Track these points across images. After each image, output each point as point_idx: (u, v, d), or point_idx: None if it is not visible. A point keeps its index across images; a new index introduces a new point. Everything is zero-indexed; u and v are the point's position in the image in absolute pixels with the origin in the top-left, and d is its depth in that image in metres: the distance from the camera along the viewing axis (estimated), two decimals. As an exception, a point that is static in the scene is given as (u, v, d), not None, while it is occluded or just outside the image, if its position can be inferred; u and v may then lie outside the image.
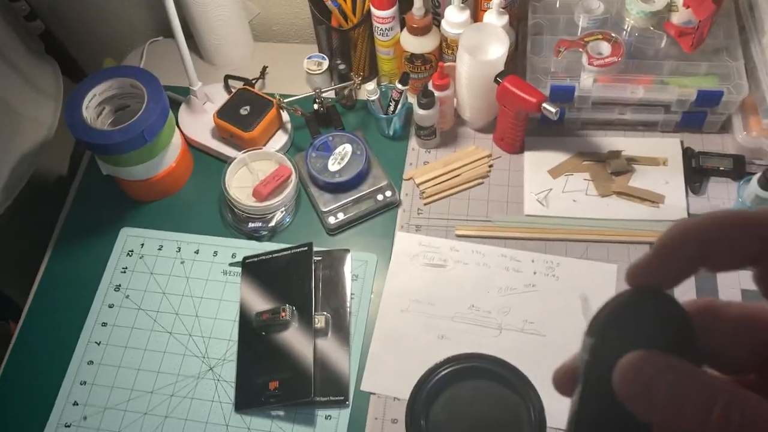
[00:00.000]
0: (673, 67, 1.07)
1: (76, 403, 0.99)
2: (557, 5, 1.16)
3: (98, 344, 1.03)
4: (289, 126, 1.19)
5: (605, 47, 1.07)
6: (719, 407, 0.21)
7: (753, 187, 0.97)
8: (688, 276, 0.28)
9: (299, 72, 1.24)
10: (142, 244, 1.11)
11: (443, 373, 0.66)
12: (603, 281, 1.02)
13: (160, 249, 1.10)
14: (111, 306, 1.06)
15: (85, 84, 1.05)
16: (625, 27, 1.10)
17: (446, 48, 1.13)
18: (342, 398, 0.96)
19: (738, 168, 1.07)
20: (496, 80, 1.04)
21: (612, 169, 1.09)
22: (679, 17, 1.06)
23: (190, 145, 1.20)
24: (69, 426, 0.97)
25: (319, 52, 1.22)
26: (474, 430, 0.64)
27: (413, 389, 0.66)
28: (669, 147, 1.12)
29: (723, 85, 1.04)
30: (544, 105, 1.01)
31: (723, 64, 1.06)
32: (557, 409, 0.83)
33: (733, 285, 0.99)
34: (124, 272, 1.09)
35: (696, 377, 0.22)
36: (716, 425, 0.21)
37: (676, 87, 1.06)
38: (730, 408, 0.21)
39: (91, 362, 1.01)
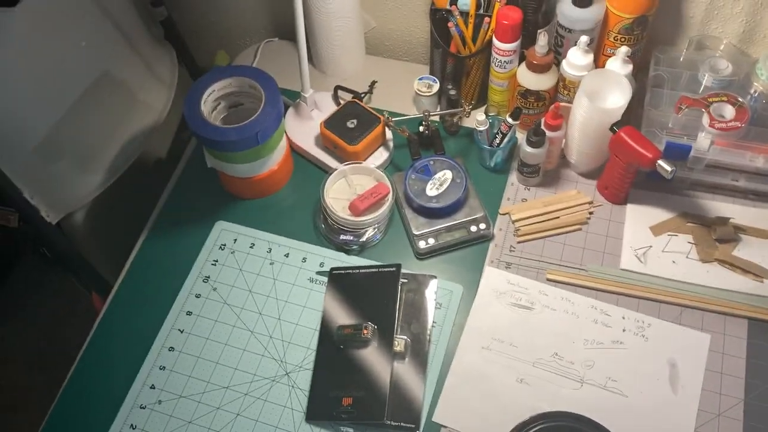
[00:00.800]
0: (799, 140, 1.03)
1: (153, 387, 1.01)
2: (681, 59, 1.13)
3: (181, 332, 1.05)
4: (390, 144, 1.19)
5: (729, 110, 1.04)
6: None
7: None
8: None
9: (406, 90, 1.24)
10: (235, 240, 1.13)
11: (538, 428, 0.65)
12: (694, 349, 0.98)
13: (251, 247, 1.12)
14: (198, 296, 1.08)
15: (206, 79, 1.07)
16: (752, 91, 1.07)
17: (563, 88, 1.12)
18: (413, 426, 0.95)
19: None
20: (612, 129, 1.02)
21: (717, 236, 1.06)
22: (812, 90, 1.02)
23: (292, 149, 1.21)
24: (144, 408, 0.99)
25: (431, 74, 1.23)
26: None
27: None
28: (780, 221, 1.08)
29: None
30: (660, 162, 0.98)
31: None
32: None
33: (835, 376, 0.95)
34: (215, 265, 1.11)
35: None
36: None
37: (799, 161, 1.02)
38: None
39: (172, 349, 1.04)
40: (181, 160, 1.24)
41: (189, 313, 1.07)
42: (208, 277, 1.10)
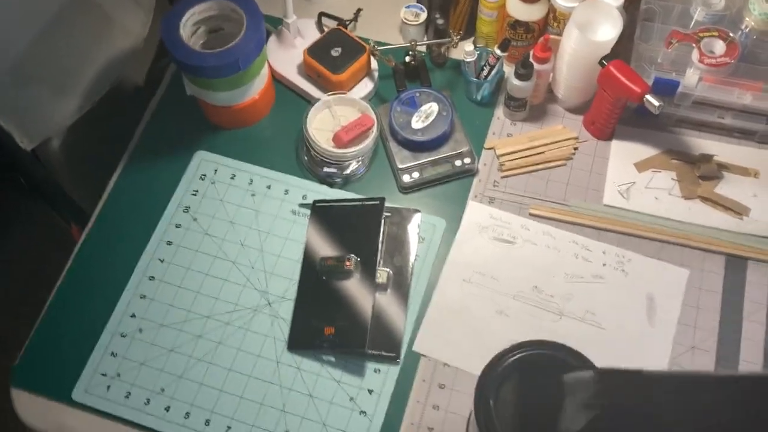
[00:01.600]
0: (787, 77, 1.02)
1: (133, 315, 1.00)
2: (674, -7, 1.11)
3: (161, 261, 1.04)
4: (375, 75, 1.17)
5: (719, 46, 1.03)
6: None
7: None
8: None
9: (393, 20, 1.21)
10: (216, 171, 1.11)
11: (518, 356, 0.65)
12: (672, 284, 1.00)
13: (232, 178, 1.10)
14: (178, 226, 1.07)
15: (185, 2, 1.03)
16: (743, 27, 1.05)
17: (553, 20, 1.09)
18: (393, 355, 0.96)
19: (833, 193, 1.04)
20: (601, 62, 1.01)
21: (700, 173, 1.06)
22: (804, 26, 1.01)
23: (274, 78, 1.18)
24: (125, 336, 0.99)
25: (419, 2, 1.19)
26: (541, 420, 0.64)
27: (485, 368, 0.66)
28: (763, 159, 1.08)
29: (837, 105, 1.00)
30: (648, 97, 0.97)
31: (840, 83, 1.01)
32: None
33: (759, 318, 0.97)
34: (195, 195, 1.09)
35: None
36: None
37: (786, 99, 1.02)
38: None
39: (152, 278, 1.03)
40: (159, 87, 1.21)
41: (169, 243, 1.06)
42: (189, 207, 1.08)
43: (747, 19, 1.05)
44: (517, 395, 0.65)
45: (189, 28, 1.04)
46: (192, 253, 1.05)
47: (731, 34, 1.02)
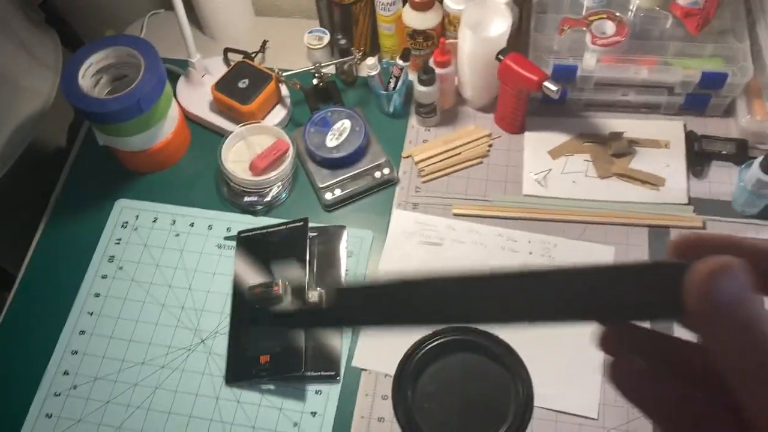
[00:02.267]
0: (678, 48, 1.05)
1: (66, 372, 0.98)
2: (562, -16, 1.14)
3: (90, 314, 1.02)
4: (288, 101, 1.18)
5: (609, 26, 1.06)
6: None
7: (755, 171, 0.96)
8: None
9: (300, 47, 1.23)
10: (137, 216, 1.10)
11: (433, 344, 0.65)
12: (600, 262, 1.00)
13: (154, 221, 1.10)
14: (104, 277, 1.05)
15: (83, 52, 1.04)
16: (631, 7, 1.09)
17: (448, 24, 1.12)
18: (333, 373, 0.95)
19: (740, 152, 1.06)
20: (497, 58, 1.03)
21: (613, 151, 1.08)
22: (685, -3, 1.05)
23: (188, 118, 1.19)
24: (59, 395, 0.97)
25: (321, 26, 1.21)
26: (461, 402, 0.63)
27: (401, 360, 0.65)
28: (671, 130, 1.10)
29: (728, 68, 1.03)
30: (545, 84, 0.99)
31: (728, 46, 1.04)
32: (544, 387, 0.82)
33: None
34: (119, 244, 1.08)
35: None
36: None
37: (680, 68, 1.04)
38: None
39: (83, 332, 1.01)
40: (75, 143, 1.21)
41: (97, 295, 1.04)
42: (113, 256, 1.07)
43: (633, -2, 1.08)
44: (435, 384, 0.64)
45: (90, 78, 1.05)
46: (120, 301, 1.03)
47: (618, 14, 1.05)
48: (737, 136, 1.07)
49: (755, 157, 0.99)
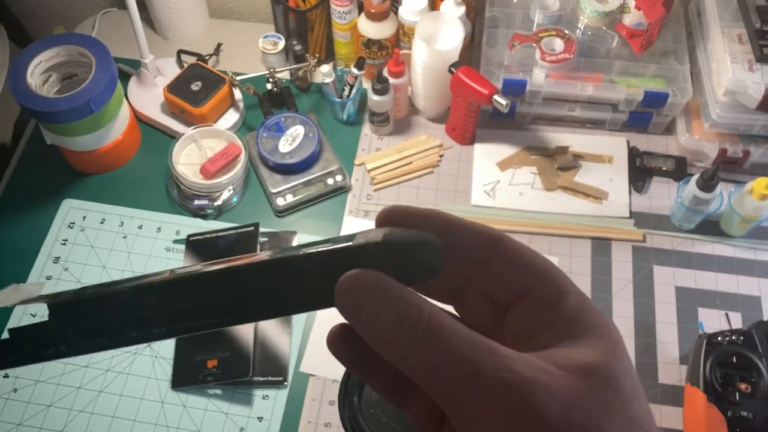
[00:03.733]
0: (623, 67, 1.09)
1: (6, 375, 0.96)
2: (514, 0, 1.17)
3: (33, 316, 1.01)
4: (241, 105, 1.18)
5: (558, 44, 1.09)
6: (408, 320, 0.24)
7: (691, 187, 1.00)
8: None
9: (255, 51, 1.23)
10: (84, 217, 1.09)
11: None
12: (544, 273, 1.03)
13: (102, 222, 1.08)
14: (49, 278, 1.04)
15: (31, 49, 1.02)
16: (579, 25, 1.12)
17: (403, 35, 1.13)
18: (280, 379, 0.96)
19: (679, 169, 1.11)
20: (450, 70, 1.05)
21: (559, 165, 1.11)
22: (630, 19, 1.09)
23: (139, 119, 1.17)
24: (-2, 398, 0.95)
25: (276, 32, 1.21)
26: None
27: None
28: (615, 145, 1.14)
29: (669, 88, 1.07)
30: (495, 97, 1.02)
31: (670, 68, 1.09)
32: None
33: (627, 294, 1.02)
34: (64, 244, 1.06)
35: (396, 293, 0.25)
36: (406, 333, 0.24)
37: (624, 86, 1.08)
38: (418, 319, 0.24)
39: (24, 334, 0.99)
40: (20, 141, 1.18)
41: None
42: (59, 257, 1.05)
43: (581, 17, 1.12)
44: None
45: (38, 76, 1.03)
46: (65, 303, 1.01)
47: (566, 32, 1.09)
48: (677, 154, 1.12)
49: (693, 174, 1.03)
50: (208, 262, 0.27)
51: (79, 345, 0.26)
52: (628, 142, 1.14)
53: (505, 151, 1.14)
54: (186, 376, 0.95)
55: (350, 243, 0.26)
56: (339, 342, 0.30)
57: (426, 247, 0.26)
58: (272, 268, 0.26)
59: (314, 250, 0.26)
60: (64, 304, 0.26)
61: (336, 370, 0.96)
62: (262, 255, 0.27)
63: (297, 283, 0.26)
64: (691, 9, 1.15)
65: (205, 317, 0.26)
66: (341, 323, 0.29)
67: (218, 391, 0.95)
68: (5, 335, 0.27)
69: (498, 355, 0.24)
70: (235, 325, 0.27)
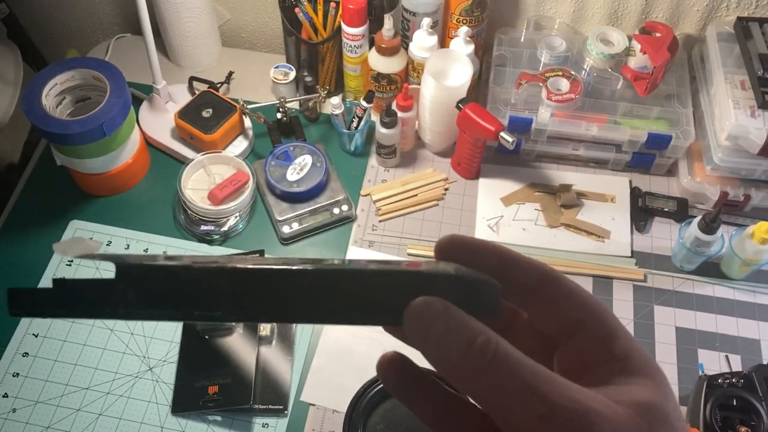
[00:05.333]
0: (627, 108, 1.11)
1: (6, 395, 0.96)
2: (522, 39, 1.20)
3: (35, 336, 1.01)
4: (250, 133, 1.19)
5: (564, 84, 1.11)
6: (477, 346, 0.25)
7: (693, 229, 1.01)
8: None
9: (265, 80, 1.25)
10: (91, 238, 1.09)
11: (383, 385, 0.67)
12: (546, 309, 1.04)
13: (108, 245, 1.09)
14: (52, 298, 1.04)
15: (47, 72, 1.03)
16: (585, 66, 1.15)
17: (412, 70, 1.16)
18: (281, 407, 0.95)
19: (681, 210, 1.12)
20: (457, 106, 1.07)
21: (562, 202, 1.13)
22: (635, 62, 1.11)
23: (148, 143, 1.19)
24: (-3, 418, 0.94)
25: (287, 62, 1.23)
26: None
27: (353, 398, 0.67)
28: (618, 185, 1.16)
29: (672, 131, 1.09)
30: (502, 134, 1.03)
31: (673, 111, 1.11)
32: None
33: (668, 321, 1.03)
34: (70, 265, 1.07)
35: (465, 320, 0.26)
36: (474, 358, 0.25)
37: (628, 128, 1.10)
38: (486, 346, 0.25)
39: (26, 354, 0.99)
40: (30, 161, 1.19)
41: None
42: (64, 278, 1.06)
43: (587, 58, 1.14)
44: (385, 423, 0.66)
45: (53, 98, 1.04)
46: (68, 325, 1.02)
47: (573, 72, 1.11)
48: (679, 195, 1.14)
49: (694, 216, 1.05)
50: (283, 258, 0.28)
51: (138, 311, 0.26)
52: (630, 182, 1.16)
53: (510, 186, 1.15)
54: (186, 402, 0.95)
55: (422, 269, 0.27)
56: (390, 367, 0.31)
57: (490, 288, 0.28)
58: (344, 277, 0.27)
59: (387, 268, 0.27)
60: (133, 267, 0.26)
61: (336, 400, 0.96)
62: (335, 261, 0.28)
63: (365, 295, 0.27)
64: (695, 54, 1.17)
65: (265, 309, 0.27)
66: (394, 351, 0.31)
67: (218, 418, 0.95)
68: (48, 284, 0.27)
69: (563, 386, 0.25)
70: (291, 323, 0.29)
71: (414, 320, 0.27)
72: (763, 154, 1.02)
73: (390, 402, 0.67)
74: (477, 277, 0.28)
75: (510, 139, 1.03)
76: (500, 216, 1.12)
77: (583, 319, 0.29)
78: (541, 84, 1.11)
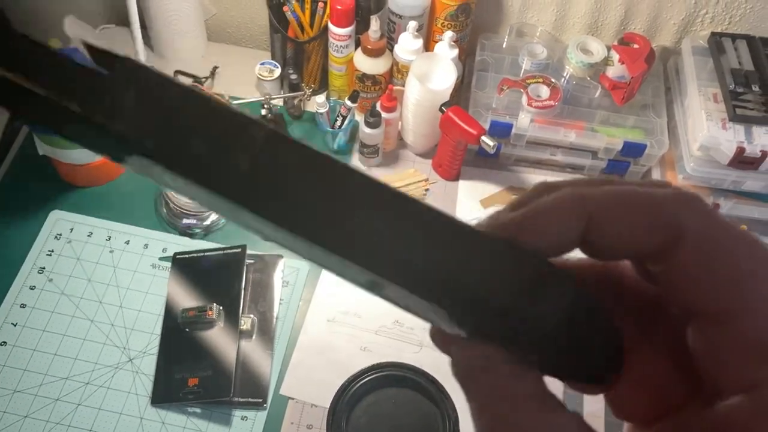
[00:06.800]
0: (604, 117, 1.15)
1: (-16, 384, 0.96)
2: (504, 45, 1.23)
3: (14, 325, 1.01)
4: (234, 128, 1.20)
5: (544, 90, 1.14)
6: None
7: (664, 235, 1.05)
8: (557, 253, 0.23)
9: (250, 77, 1.26)
10: (72, 229, 1.10)
11: (367, 378, 0.69)
12: (521, 310, 1.07)
13: (89, 236, 1.09)
14: (32, 288, 1.04)
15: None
16: (565, 74, 1.18)
17: (397, 72, 1.18)
18: (260, 400, 0.97)
19: (652, 217, 1.16)
20: (440, 109, 1.09)
21: (539, 206, 1.16)
22: (613, 71, 1.14)
23: (131, 135, 1.19)
24: (-26, 406, 0.94)
25: (273, 59, 1.25)
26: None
27: (337, 392, 0.69)
28: (593, 190, 1.19)
29: (647, 139, 1.12)
30: (483, 138, 1.06)
31: (648, 120, 1.14)
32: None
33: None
34: (50, 255, 1.07)
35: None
36: None
37: (604, 135, 1.14)
38: None
39: (4, 343, 0.99)
40: (11, 149, 1.19)
41: (23, 306, 1.02)
42: (44, 268, 1.06)
43: (567, 66, 1.17)
44: (368, 416, 0.68)
45: (37, 87, 1.04)
46: (47, 314, 1.02)
47: (553, 80, 1.14)
48: (650, 202, 1.17)
49: (665, 223, 1.08)
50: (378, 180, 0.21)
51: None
52: (605, 188, 1.19)
53: (489, 189, 1.18)
54: (166, 394, 0.96)
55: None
56: None
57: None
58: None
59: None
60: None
61: (315, 394, 0.98)
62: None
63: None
64: (670, 66, 1.21)
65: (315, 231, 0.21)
66: None
67: (197, 410, 0.96)
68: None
69: None
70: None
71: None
72: (732, 165, 1.06)
73: (373, 395, 0.69)
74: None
75: (491, 143, 1.05)
76: (479, 217, 1.14)
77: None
78: (522, 90, 1.14)
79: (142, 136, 0.20)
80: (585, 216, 0.21)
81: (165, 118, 0.20)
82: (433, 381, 0.69)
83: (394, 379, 0.69)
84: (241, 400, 0.97)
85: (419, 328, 1.04)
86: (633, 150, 1.13)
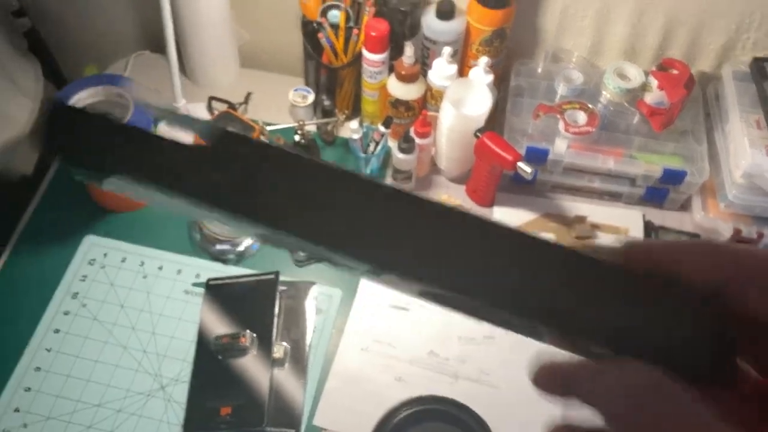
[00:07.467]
0: (642, 143, 1.13)
1: (17, 410, 0.95)
2: (539, 71, 1.21)
3: (48, 351, 1.00)
4: (267, 154, 1.20)
5: (581, 116, 1.12)
6: None
7: (707, 265, 1.02)
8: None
9: (283, 102, 1.26)
10: (105, 254, 1.10)
11: (406, 413, 0.67)
12: (558, 340, 1.04)
13: (123, 261, 1.09)
14: (66, 313, 1.04)
15: (72, 87, 1.04)
16: (602, 99, 1.16)
17: (431, 98, 1.17)
18: (293, 430, 0.95)
19: (693, 245, 1.13)
20: (475, 134, 1.08)
21: (576, 234, 1.14)
22: (652, 97, 1.12)
23: (166, 160, 1.19)
24: (7, 433, 0.94)
25: (306, 85, 1.25)
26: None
27: (375, 426, 0.67)
28: (631, 218, 1.17)
29: (687, 167, 1.10)
30: (520, 164, 1.04)
31: (688, 147, 1.12)
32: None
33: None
34: (84, 280, 1.07)
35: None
36: None
37: (643, 162, 1.11)
38: None
39: (38, 369, 0.99)
40: (47, 174, 1.20)
41: (57, 331, 1.02)
42: (77, 293, 1.06)
43: (604, 92, 1.16)
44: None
45: (75, 114, 1.05)
46: (81, 339, 1.02)
47: (590, 106, 1.12)
48: (692, 231, 1.15)
49: (707, 252, 1.05)
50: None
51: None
52: (644, 215, 1.17)
53: (524, 216, 1.16)
54: (198, 422, 0.95)
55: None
56: None
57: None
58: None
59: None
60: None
61: (350, 425, 0.96)
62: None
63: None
64: (710, 92, 1.19)
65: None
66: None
67: (230, 440, 0.94)
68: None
69: None
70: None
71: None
72: (777, 193, 1.03)
73: (412, 430, 0.67)
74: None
75: (528, 169, 1.04)
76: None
77: None
78: (558, 116, 1.12)
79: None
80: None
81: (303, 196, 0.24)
82: (474, 415, 0.67)
83: (434, 413, 0.67)
84: (275, 430, 0.95)
85: (454, 358, 1.02)
86: (673, 177, 1.10)
